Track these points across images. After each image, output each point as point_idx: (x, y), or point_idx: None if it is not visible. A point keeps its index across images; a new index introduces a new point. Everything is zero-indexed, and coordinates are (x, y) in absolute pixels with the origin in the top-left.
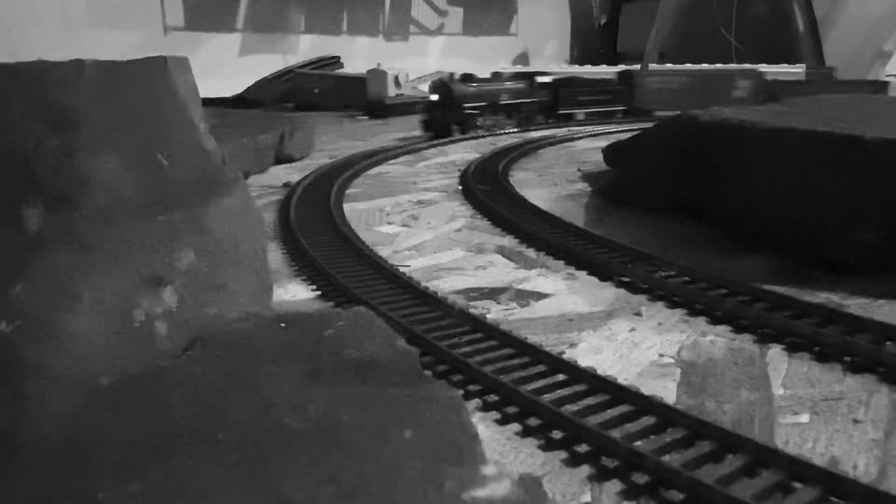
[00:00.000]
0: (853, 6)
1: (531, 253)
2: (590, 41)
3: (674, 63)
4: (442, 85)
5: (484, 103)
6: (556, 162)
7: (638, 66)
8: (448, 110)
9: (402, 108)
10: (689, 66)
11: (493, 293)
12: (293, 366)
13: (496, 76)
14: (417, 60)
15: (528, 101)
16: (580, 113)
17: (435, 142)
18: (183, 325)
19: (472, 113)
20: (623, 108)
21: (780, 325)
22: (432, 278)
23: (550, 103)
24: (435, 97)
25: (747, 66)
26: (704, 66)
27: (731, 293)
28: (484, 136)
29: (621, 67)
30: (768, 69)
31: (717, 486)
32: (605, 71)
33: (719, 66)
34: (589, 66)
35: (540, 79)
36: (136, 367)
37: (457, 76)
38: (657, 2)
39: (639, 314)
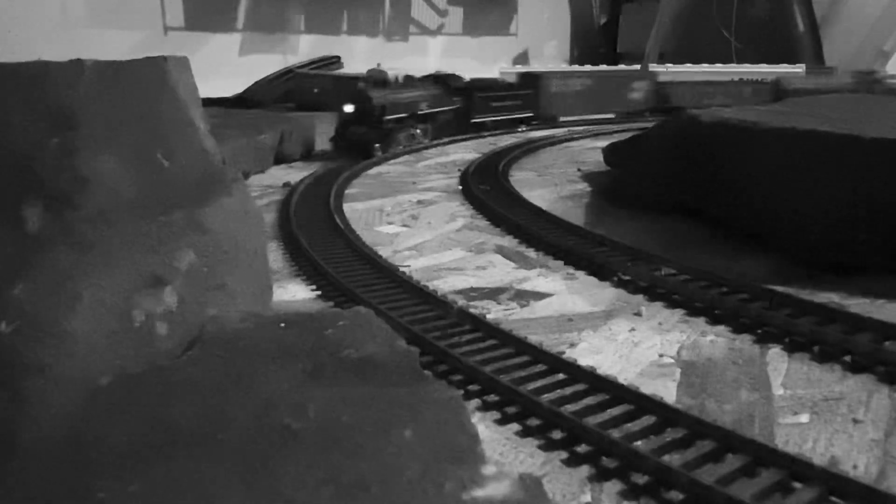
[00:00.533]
0: (853, 6)
1: (531, 253)
2: (590, 41)
3: (674, 63)
4: (359, 93)
5: (405, 114)
6: (556, 162)
7: (540, 68)
8: (367, 124)
9: None
10: (589, 66)
11: (493, 293)
12: (293, 366)
13: (408, 80)
14: (417, 60)
15: (444, 109)
16: (491, 121)
17: (434, 142)
18: (183, 325)
19: (393, 127)
20: (529, 114)
21: (780, 325)
22: (432, 278)
23: (464, 111)
24: (349, 108)
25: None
26: (602, 67)
27: (731, 293)
28: (484, 137)
29: (524, 69)
30: (659, 69)
31: (717, 486)
32: (511, 72)
33: (615, 67)
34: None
35: (454, 83)
36: (136, 367)
37: (370, 80)
38: (657, 2)
39: (639, 314)
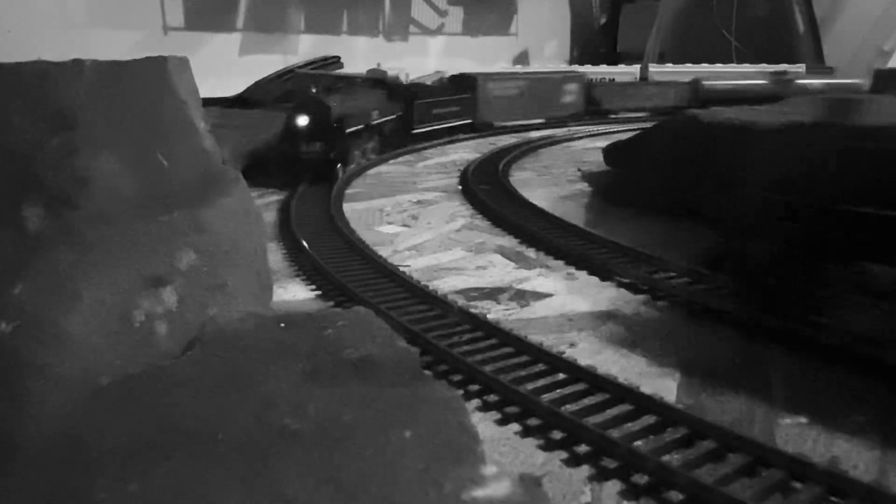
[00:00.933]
0: (853, 6)
1: (531, 253)
2: (590, 41)
3: (674, 63)
4: (313, 101)
5: (362, 125)
6: (556, 162)
7: (479, 70)
8: (325, 140)
9: None
10: (521, 67)
11: (493, 293)
12: (293, 366)
13: (349, 83)
14: (417, 60)
15: (390, 118)
16: (432, 131)
17: (435, 142)
18: (183, 325)
19: (352, 142)
20: (467, 121)
21: (780, 325)
22: (432, 278)
23: (406, 119)
24: (303, 120)
25: (571, 68)
26: (535, 68)
27: (730, 293)
28: (484, 137)
29: (457, 71)
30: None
31: (717, 486)
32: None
33: (548, 68)
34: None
35: (396, 86)
36: (136, 367)
37: (321, 84)
38: (657, 2)
39: (639, 314)
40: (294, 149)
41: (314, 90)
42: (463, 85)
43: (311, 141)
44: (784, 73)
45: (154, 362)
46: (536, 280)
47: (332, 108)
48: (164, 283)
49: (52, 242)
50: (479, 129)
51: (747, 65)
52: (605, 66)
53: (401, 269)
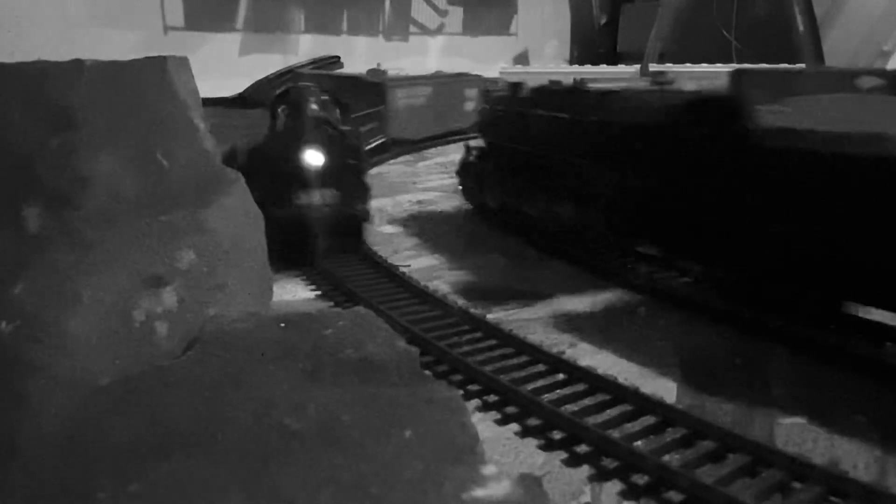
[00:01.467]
0: (853, 6)
1: (531, 253)
2: (590, 41)
3: (674, 63)
4: (323, 127)
5: None
6: None
7: (386, 72)
8: (344, 187)
9: None
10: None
11: (493, 293)
12: (293, 366)
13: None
14: (417, 60)
15: None
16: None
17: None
18: (183, 325)
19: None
20: (381, 139)
21: (780, 325)
22: (432, 278)
23: None
24: (316, 158)
25: (472, 72)
26: (444, 72)
27: (730, 294)
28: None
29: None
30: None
31: (717, 486)
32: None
33: (453, 72)
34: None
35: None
36: (136, 368)
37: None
38: (657, 2)
39: (639, 314)
40: (298, 208)
41: (314, 105)
42: (371, 94)
43: (325, 189)
44: (663, 73)
45: (154, 362)
46: (538, 281)
47: (347, 133)
48: (164, 283)
49: (52, 242)
50: (393, 148)
51: (636, 65)
52: (605, 66)
53: (401, 269)
